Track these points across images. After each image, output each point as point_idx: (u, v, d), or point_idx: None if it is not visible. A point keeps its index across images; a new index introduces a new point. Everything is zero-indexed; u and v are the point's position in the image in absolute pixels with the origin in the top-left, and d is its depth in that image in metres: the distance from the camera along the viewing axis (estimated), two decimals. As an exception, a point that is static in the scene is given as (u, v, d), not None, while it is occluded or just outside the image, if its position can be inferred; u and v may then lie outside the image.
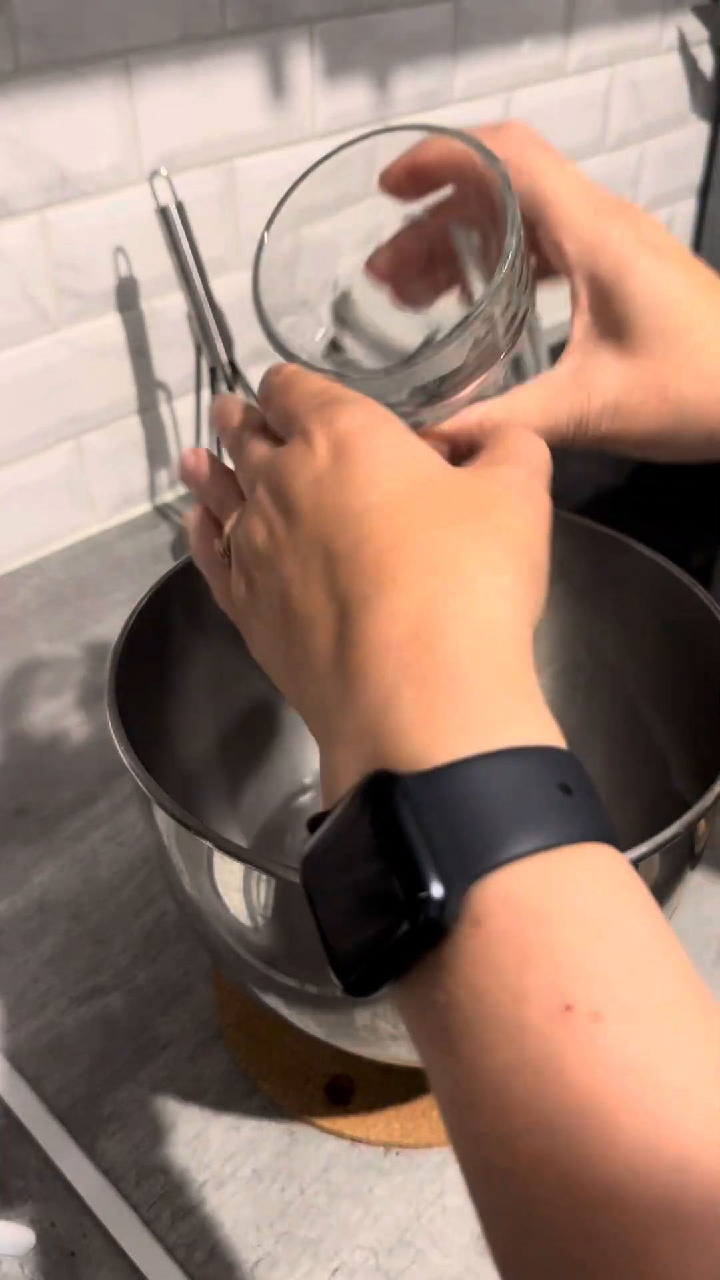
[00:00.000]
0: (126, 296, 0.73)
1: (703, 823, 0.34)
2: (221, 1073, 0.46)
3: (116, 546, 0.78)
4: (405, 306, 0.37)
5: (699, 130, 1.16)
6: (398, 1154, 0.43)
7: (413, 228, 0.36)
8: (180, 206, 0.67)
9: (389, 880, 0.22)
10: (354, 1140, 0.43)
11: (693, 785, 0.40)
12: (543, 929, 0.21)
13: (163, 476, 0.82)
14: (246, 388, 0.72)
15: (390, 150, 0.34)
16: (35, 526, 0.76)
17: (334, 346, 0.36)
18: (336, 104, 0.79)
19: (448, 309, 0.37)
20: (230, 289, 0.79)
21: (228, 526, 0.32)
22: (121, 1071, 0.46)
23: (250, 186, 0.76)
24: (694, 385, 0.33)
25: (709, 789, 0.34)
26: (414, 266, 0.36)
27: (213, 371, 0.71)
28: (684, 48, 1.07)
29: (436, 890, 0.21)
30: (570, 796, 0.22)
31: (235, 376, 0.71)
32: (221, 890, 0.35)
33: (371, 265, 0.36)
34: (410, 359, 0.34)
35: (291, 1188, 0.42)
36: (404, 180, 0.34)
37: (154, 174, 0.68)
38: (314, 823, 0.25)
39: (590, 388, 0.34)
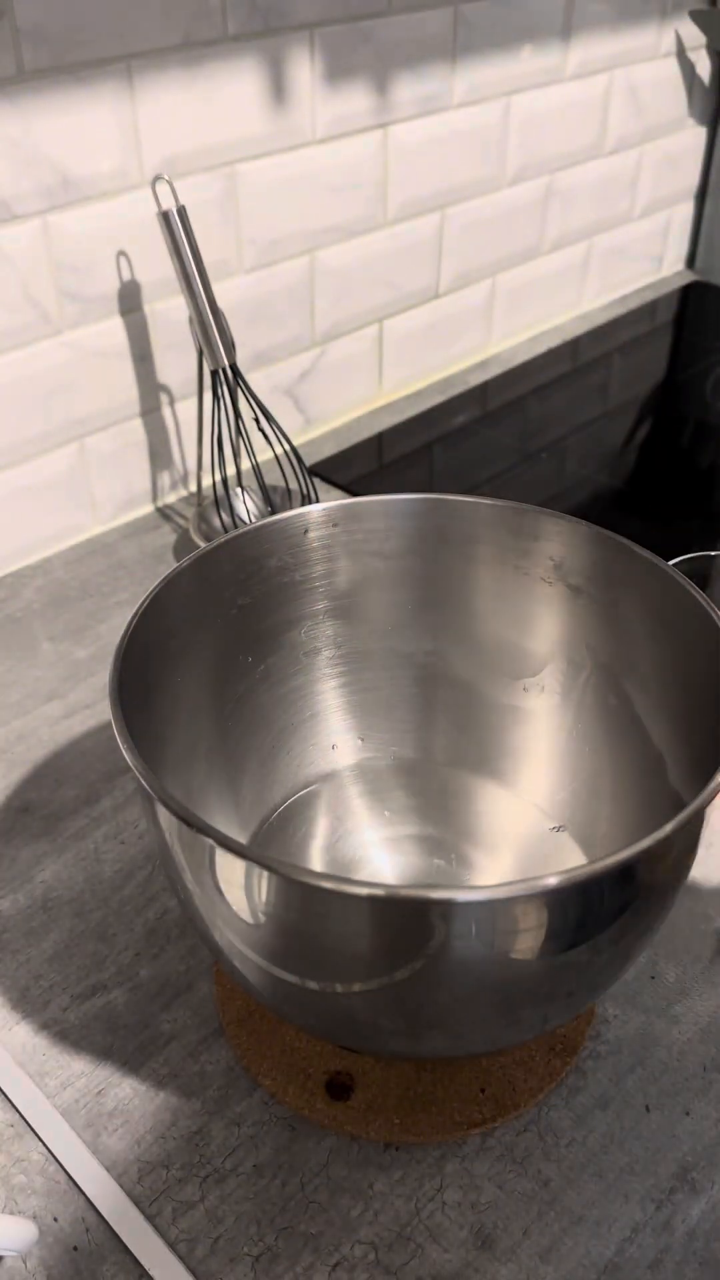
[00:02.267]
0: (129, 300, 0.73)
1: (699, 820, 0.35)
2: (223, 1069, 0.46)
3: (119, 547, 0.79)
4: None
5: (696, 134, 1.17)
6: (397, 1149, 0.43)
7: None
8: (181, 210, 0.67)
9: None
10: (354, 1136, 0.43)
11: (689, 783, 0.41)
12: None
13: (165, 478, 0.83)
14: (247, 391, 0.73)
15: None
16: (38, 527, 0.77)
17: None
18: (337, 109, 0.79)
19: None
20: (231, 293, 0.79)
21: None
22: (124, 1067, 0.46)
23: (251, 191, 0.77)
24: None
25: (704, 787, 0.35)
26: None
27: (214, 375, 0.72)
28: (681, 52, 1.08)
29: None
30: None
31: (236, 380, 0.72)
32: (223, 887, 0.35)
33: None
34: None
35: (292, 1183, 0.42)
36: None
37: (156, 178, 0.68)
38: None
39: None
